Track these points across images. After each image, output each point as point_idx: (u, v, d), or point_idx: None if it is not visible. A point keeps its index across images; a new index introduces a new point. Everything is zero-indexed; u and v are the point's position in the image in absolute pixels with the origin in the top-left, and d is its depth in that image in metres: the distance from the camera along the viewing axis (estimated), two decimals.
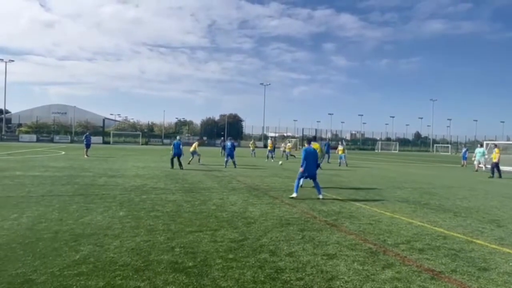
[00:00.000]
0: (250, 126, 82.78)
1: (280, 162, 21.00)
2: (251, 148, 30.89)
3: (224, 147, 18.68)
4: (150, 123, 78.85)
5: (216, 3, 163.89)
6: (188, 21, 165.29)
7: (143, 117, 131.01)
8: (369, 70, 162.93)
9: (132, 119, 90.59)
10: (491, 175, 17.33)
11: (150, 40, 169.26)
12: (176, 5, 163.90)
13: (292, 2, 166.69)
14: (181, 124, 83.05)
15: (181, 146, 16.12)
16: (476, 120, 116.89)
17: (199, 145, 19.78)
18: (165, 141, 63.62)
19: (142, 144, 60.95)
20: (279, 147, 32.12)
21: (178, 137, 17.35)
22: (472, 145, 79.22)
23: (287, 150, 27.43)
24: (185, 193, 9.22)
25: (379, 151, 72.50)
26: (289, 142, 32.26)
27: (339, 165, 21.26)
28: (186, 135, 73.30)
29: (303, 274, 3.84)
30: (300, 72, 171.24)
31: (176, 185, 10.58)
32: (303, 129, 79.39)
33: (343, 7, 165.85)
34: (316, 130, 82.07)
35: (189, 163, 18.02)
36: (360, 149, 74.31)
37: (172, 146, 16.51)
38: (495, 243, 5.38)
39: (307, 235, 5.43)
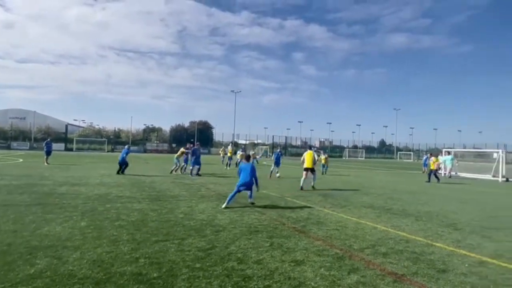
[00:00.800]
0: (220, 133, 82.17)
1: (278, 174, 17.60)
2: (221, 155, 30.67)
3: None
4: (116, 129, 76.19)
5: (187, 9, 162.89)
6: (158, 26, 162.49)
7: (110, 123, 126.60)
8: (337, 79, 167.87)
9: (98, 125, 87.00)
10: (428, 180, 18.35)
11: (118, 44, 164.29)
12: (145, 10, 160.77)
13: (263, 12, 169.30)
14: (150, 131, 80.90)
15: (125, 155, 16.61)
16: (436, 129, 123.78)
17: (185, 152, 18.34)
18: (133, 148, 61.66)
19: (108, 151, 58.82)
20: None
21: (126, 146, 18.32)
22: (432, 152, 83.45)
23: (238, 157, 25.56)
24: (151, 201, 8.96)
25: (347, 158, 74.53)
26: (228, 146, 29.85)
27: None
28: (155, 142, 71.62)
29: (271, 281, 3.83)
30: (270, 80, 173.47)
31: (143, 193, 10.27)
32: (273, 136, 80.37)
33: (312, 18, 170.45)
34: (286, 137, 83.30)
35: (171, 172, 17.55)
36: (329, 156, 76.09)
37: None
38: (452, 245, 5.66)
39: (275, 242, 5.43)
